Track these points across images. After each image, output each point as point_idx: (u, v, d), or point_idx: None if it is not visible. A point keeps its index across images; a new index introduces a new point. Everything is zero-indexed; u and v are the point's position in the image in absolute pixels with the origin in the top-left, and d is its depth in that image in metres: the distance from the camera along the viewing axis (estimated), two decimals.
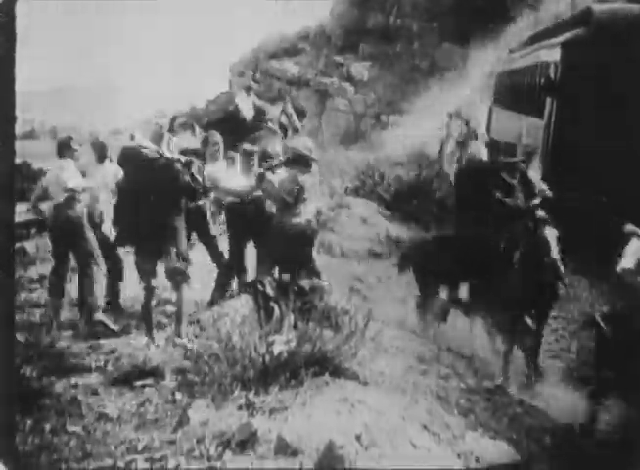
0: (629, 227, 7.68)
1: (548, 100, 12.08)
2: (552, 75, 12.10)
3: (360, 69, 23.48)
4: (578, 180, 10.74)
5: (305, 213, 8.02)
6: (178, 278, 7.60)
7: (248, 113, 15.35)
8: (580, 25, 12.08)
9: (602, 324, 7.57)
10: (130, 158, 7.54)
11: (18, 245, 10.27)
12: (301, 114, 14.02)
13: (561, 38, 12.51)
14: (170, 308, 8.34)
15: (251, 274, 8.58)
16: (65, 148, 8.54)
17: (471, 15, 22.45)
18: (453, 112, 17.65)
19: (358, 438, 5.25)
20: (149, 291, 7.65)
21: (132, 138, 7.68)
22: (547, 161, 11.47)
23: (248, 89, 15.69)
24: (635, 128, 10.97)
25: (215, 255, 8.79)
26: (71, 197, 8.23)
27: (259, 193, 8.34)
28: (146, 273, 7.61)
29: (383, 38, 24.31)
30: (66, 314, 8.39)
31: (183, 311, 7.68)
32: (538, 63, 13.59)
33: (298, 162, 7.99)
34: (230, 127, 13.96)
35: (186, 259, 7.59)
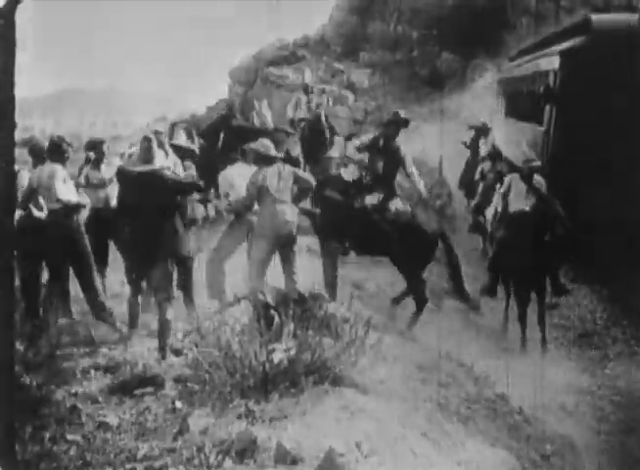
0: None
1: (547, 107, 12.19)
2: (551, 83, 12.25)
3: (360, 76, 23.51)
4: (578, 186, 10.86)
5: (280, 214, 8.47)
6: (160, 297, 7.68)
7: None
8: (579, 34, 12.18)
9: None
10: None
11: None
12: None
13: (560, 47, 12.63)
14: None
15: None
16: (55, 150, 8.23)
17: (471, 23, 22.48)
18: (480, 125, 16.41)
19: (358, 446, 5.24)
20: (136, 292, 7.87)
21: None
22: (547, 167, 11.51)
23: (306, 89, 16.05)
24: (633, 135, 11.07)
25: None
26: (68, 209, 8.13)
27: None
28: (134, 281, 7.82)
29: (383, 46, 24.35)
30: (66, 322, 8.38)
31: (166, 333, 7.67)
32: (538, 71, 13.68)
33: (262, 160, 8.66)
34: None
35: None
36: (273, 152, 8.73)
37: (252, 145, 8.89)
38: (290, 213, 8.55)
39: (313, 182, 8.86)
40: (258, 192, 8.50)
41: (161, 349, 7.60)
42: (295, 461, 5.05)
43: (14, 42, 5.20)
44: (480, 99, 20.50)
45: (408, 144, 19.30)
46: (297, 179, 8.70)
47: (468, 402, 7.15)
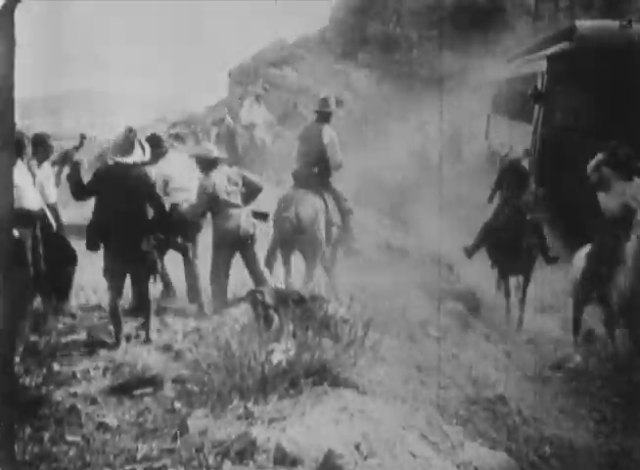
0: None
1: (536, 107, 12.98)
2: (539, 85, 13.05)
3: (360, 76, 23.49)
4: (563, 183, 11.37)
5: (234, 217, 8.39)
6: (142, 278, 7.73)
7: (256, 119, 15.54)
8: (565, 40, 13.08)
9: None
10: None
11: None
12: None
13: (547, 51, 13.48)
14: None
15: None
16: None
17: (470, 23, 22.51)
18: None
19: (357, 447, 5.24)
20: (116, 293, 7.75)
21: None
22: (536, 162, 12.47)
23: (257, 97, 15.89)
24: (615, 134, 11.62)
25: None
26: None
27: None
28: (115, 276, 7.72)
29: (382, 46, 24.33)
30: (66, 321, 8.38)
31: (150, 314, 7.76)
32: (528, 73, 14.50)
33: (206, 165, 8.53)
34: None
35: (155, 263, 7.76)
36: (216, 153, 8.66)
37: (193, 151, 8.89)
38: (244, 216, 8.50)
39: (260, 185, 8.80)
40: (210, 199, 8.41)
41: (146, 331, 7.69)
42: (294, 463, 5.05)
43: (14, 41, 5.19)
44: (480, 99, 20.52)
45: (409, 143, 19.33)
46: (245, 182, 8.64)
47: (467, 404, 7.16)
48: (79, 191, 7.79)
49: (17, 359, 6.60)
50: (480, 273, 11.17)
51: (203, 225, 8.77)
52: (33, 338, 7.57)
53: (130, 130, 7.75)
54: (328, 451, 5.05)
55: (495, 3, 23.84)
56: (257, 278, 8.57)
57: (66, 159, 8.99)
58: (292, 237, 9.23)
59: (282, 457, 5.09)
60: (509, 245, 10.43)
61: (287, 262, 9.46)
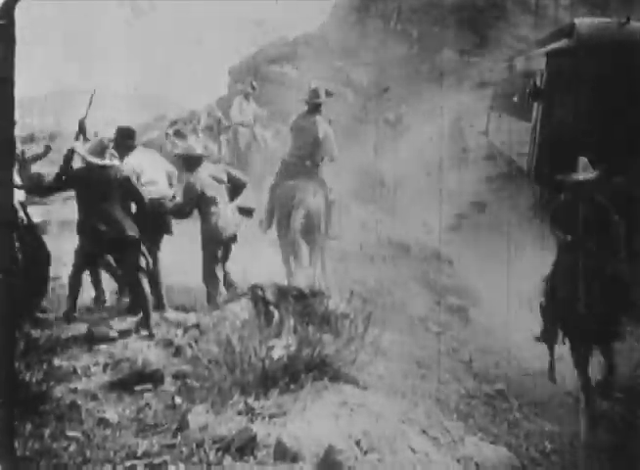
0: None
1: (535, 104, 13.00)
2: (538, 82, 13.10)
3: (360, 73, 23.47)
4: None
5: (218, 216, 8.36)
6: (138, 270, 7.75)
7: (246, 117, 15.51)
8: (565, 37, 13.03)
9: None
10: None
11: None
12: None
13: (547, 48, 13.52)
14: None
15: None
16: None
17: (471, 20, 22.51)
18: None
19: (358, 442, 5.25)
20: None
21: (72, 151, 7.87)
22: (534, 159, 12.52)
23: (247, 95, 15.85)
24: (614, 132, 11.89)
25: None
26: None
27: None
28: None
29: (383, 43, 24.32)
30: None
31: (149, 309, 7.75)
32: (528, 70, 14.62)
33: (191, 163, 8.51)
34: None
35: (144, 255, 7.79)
36: (199, 151, 8.66)
37: (177, 151, 8.89)
38: (231, 213, 8.48)
39: (246, 180, 8.75)
40: (197, 197, 8.37)
41: (147, 327, 7.68)
42: (294, 458, 5.06)
43: (14, 40, 5.19)
44: (480, 96, 20.52)
45: (409, 143, 19.33)
46: (230, 178, 8.60)
47: (467, 399, 7.16)
48: (43, 190, 7.98)
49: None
50: (479, 268, 11.16)
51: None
52: (34, 334, 7.57)
53: (106, 140, 7.86)
54: (328, 447, 5.06)
55: (496, 0, 23.85)
56: (228, 276, 8.57)
57: (26, 162, 9.02)
58: (303, 228, 9.23)
59: (282, 453, 5.09)
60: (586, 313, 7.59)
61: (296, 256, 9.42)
